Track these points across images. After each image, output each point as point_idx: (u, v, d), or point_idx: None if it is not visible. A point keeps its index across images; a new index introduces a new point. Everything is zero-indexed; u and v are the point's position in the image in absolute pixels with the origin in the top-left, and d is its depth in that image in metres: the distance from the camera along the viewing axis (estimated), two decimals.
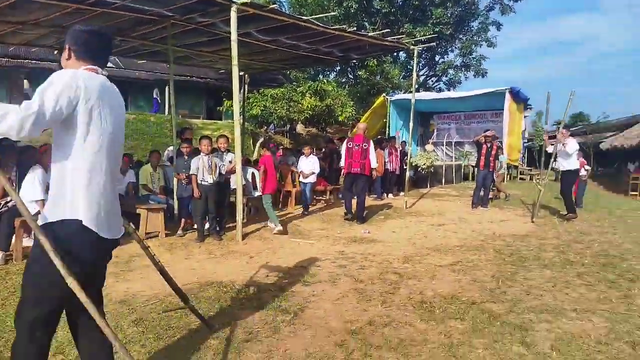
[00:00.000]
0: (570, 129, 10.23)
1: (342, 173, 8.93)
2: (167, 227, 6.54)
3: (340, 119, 16.92)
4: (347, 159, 8.00)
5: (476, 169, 10.39)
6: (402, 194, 11.50)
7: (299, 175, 9.20)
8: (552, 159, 8.53)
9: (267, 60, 10.64)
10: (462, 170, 16.19)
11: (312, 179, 9.02)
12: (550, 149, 9.27)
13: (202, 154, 6.32)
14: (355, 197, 8.15)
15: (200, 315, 3.22)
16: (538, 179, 16.57)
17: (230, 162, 6.75)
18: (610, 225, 7.71)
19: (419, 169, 13.44)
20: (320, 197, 10.33)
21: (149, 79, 19.02)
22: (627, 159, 19.31)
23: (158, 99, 19.12)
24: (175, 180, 7.09)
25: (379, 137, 15.80)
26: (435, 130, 18.64)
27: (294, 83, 17.01)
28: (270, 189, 7.16)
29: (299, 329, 3.36)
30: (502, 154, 12.13)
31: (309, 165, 9.03)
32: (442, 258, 5.45)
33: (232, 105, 15.10)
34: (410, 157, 12.51)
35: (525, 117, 18.10)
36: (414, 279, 4.61)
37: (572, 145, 8.21)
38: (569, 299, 4.04)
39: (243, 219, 6.49)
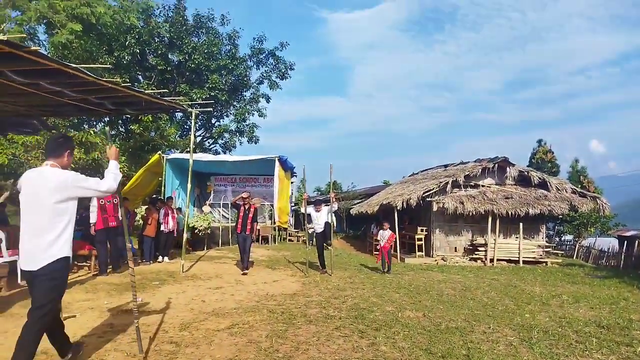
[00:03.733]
0: (325, 197, 11.90)
1: (94, 229, 8.95)
2: None
3: None
4: (100, 215, 8.80)
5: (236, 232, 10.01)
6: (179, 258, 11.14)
7: None
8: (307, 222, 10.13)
9: (22, 104, 9.19)
10: None
11: None
12: (311, 211, 10.56)
13: None
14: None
15: None
16: (305, 240, 18.36)
17: None
18: (360, 281, 9.07)
19: (196, 230, 13.32)
20: (84, 263, 9.13)
21: None
22: (370, 223, 23.30)
23: None
24: None
25: (154, 196, 15.14)
26: (212, 192, 18.95)
27: (53, 131, 14.97)
28: None
29: None
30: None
31: None
32: (219, 322, 5.47)
33: None
34: (188, 218, 12.36)
35: (292, 182, 20.18)
36: (191, 347, 4.49)
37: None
38: (330, 351, 4.58)
39: None
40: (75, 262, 9.12)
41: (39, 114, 12.08)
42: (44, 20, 17.62)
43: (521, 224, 15.98)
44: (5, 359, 3.96)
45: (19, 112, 10.42)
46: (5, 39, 5.35)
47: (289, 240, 18.48)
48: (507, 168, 17.59)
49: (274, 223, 16.44)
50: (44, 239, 3.34)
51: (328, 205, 10.36)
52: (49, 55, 8.58)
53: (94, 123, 25.06)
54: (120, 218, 8.79)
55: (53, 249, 3.36)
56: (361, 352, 4.58)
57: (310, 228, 15.67)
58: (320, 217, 10.16)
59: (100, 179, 3.77)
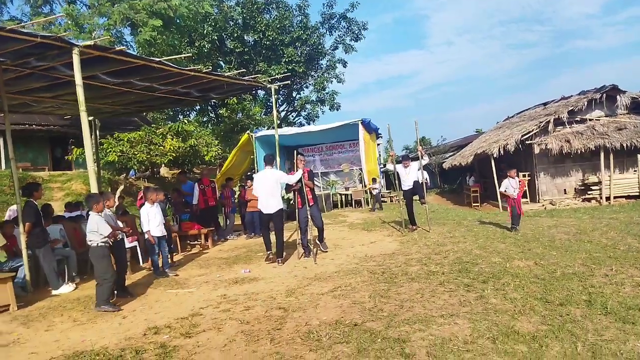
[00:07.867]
0: (415, 154, 11.33)
1: (195, 209, 10.52)
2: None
3: (206, 159, 16.60)
4: (201, 197, 10.54)
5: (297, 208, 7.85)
6: None
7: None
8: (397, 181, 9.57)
9: (120, 103, 10.02)
10: (331, 198, 17.01)
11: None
12: (390, 167, 10.16)
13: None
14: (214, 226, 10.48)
15: None
16: (398, 199, 18.13)
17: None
18: (460, 235, 8.73)
19: (291, 201, 13.74)
20: (195, 242, 9.90)
21: None
22: (465, 175, 22.29)
23: None
24: None
25: (249, 172, 15.88)
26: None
27: (152, 125, 16.24)
28: None
29: None
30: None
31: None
32: (322, 286, 5.61)
33: (82, 154, 14.02)
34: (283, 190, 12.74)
35: (378, 144, 19.85)
36: (299, 311, 4.66)
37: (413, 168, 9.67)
38: (435, 307, 4.47)
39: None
40: (188, 242, 9.91)
41: (136, 110, 13.11)
42: (128, 22, 18.88)
43: (639, 156, 14.22)
44: (132, 334, 4.43)
45: (118, 112, 11.41)
46: (92, 43, 5.78)
47: (382, 201, 18.37)
48: (618, 96, 15.59)
49: (365, 186, 16.41)
50: (273, 199, 7.33)
51: (417, 161, 9.85)
52: (137, 54, 9.14)
53: (187, 113, 26.81)
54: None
55: (278, 203, 7.37)
56: (469, 305, 4.41)
57: (374, 189, 15.32)
58: (410, 174, 9.69)
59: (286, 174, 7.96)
